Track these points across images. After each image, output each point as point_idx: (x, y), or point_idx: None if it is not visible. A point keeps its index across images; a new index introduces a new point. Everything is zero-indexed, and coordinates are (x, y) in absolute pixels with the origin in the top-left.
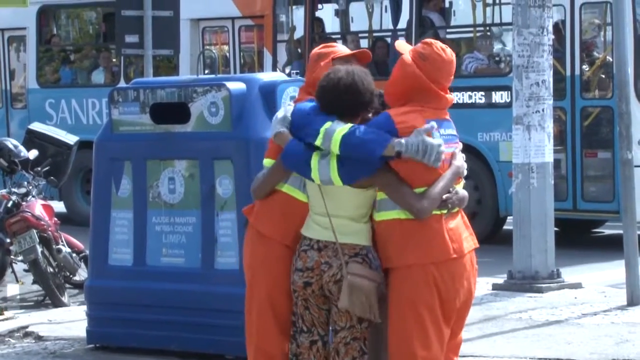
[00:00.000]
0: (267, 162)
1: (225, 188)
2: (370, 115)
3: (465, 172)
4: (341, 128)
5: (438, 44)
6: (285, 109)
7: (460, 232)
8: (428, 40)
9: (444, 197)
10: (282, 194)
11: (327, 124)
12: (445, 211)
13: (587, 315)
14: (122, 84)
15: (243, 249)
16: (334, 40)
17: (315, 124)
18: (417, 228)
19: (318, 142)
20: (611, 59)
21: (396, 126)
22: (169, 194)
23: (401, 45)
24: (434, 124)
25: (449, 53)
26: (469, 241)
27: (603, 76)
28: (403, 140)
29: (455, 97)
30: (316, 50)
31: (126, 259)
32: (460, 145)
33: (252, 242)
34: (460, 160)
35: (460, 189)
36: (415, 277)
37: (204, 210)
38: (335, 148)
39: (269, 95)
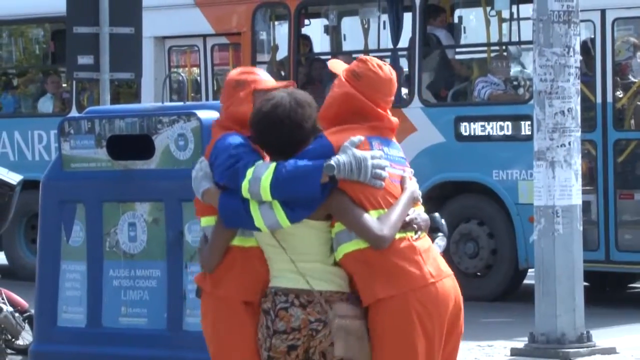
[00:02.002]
0: (205, 221)
1: (195, 235)
2: None
3: (420, 198)
4: (266, 173)
5: (374, 60)
6: (200, 164)
7: (435, 254)
8: (363, 57)
9: (408, 218)
10: (235, 249)
11: (249, 173)
12: (412, 234)
13: None
14: (74, 113)
15: (201, 323)
16: (323, 61)
17: (241, 161)
18: (384, 255)
19: (245, 194)
20: None
21: (333, 145)
22: (129, 242)
23: (335, 64)
24: (361, 137)
25: (387, 70)
26: (446, 266)
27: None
28: (332, 162)
29: (466, 128)
30: (233, 76)
31: (78, 319)
32: (411, 170)
33: (211, 312)
34: (414, 184)
35: (422, 212)
36: (393, 311)
37: (170, 261)
38: (266, 197)
39: None
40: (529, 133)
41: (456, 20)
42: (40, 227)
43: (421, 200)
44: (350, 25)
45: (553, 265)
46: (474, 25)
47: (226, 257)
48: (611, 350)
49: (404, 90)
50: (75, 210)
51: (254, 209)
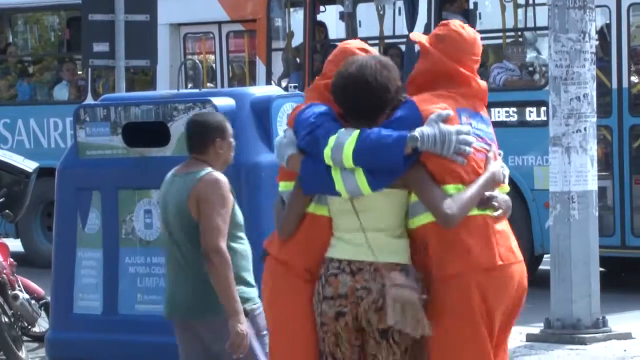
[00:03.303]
0: (284, 185)
1: None
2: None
3: (507, 179)
4: (349, 140)
5: (456, 22)
6: (285, 132)
7: (509, 236)
8: (444, 20)
9: (488, 194)
10: (307, 215)
11: (331, 139)
12: (490, 212)
13: None
14: (89, 100)
15: (261, 288)
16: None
17: (321, 128)
18: (457, 231)
19: (327, 161)
20: None
21: (422, 115)
22: (144, 229)
23: (416, 35)
24: (450, 111)
25: (470, 31)
26: (518, 251)
27: None
28: (417, 133)
29: None
30: (350, 47)
31: (94, 306)
32: (498, 150)
33: (272, 278)
34: (497, 165)
35: (502, 194)
36: (458, 288)
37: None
38: (349, 164)
39: (263, 113)
40: (545, 119)
41: (472, 6)
42: (56, 214)
43: (507, 181)
44: (366, 12)
45: (569, 250)
46: (489, 11)
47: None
48: (627, 336)
49: None
50: (91, 197)
51: (336, 174)
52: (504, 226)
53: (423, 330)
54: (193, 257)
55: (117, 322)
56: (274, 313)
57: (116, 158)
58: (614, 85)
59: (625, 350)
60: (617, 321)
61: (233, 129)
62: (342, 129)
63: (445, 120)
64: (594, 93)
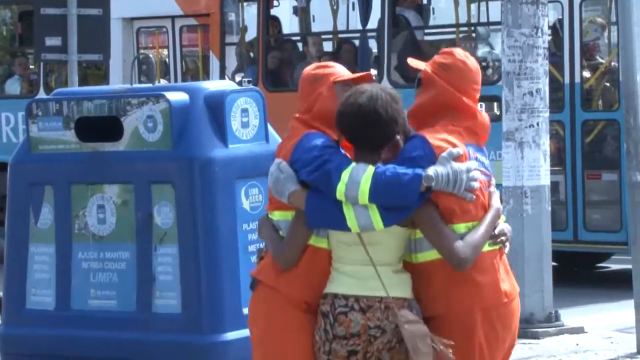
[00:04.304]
0: (280, 215)
1: (164, 217)
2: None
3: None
4: (364, 176)
5: (459, 50)
6: (279, 166)
7: (508, 269)
8: (446, 49)
9: (497, 231)
10: (308, 247)
11: (344, 175)
12: (497, 247)
13: None
14: (41, 95)
15: (249, 319)
16: (293, 42)
17: (331, 163)
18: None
19: (340, 197)
20: (617, 65)
21: (435, 152)
22: (97, 224)
23: (415, 62)
24: (459, 150)
25: (473, 60)
26: (515, 283)
27: (608, 84)
28: (431, 172)
29: None
30: (309, 71)
31: (47, 302)
32: (494, 182)
33: (264, 310)
34: (498, 202)
35: (505, 225)
36: (460, 324)
37: (139, 243)
38: (364, 201)
39: (217, 108)
40: (498, 114)
41: (425, 1)
42: (9, 209)
43: (503, 214)
44: (319, 7)
45: (522, 245)
46: (442, 6)
47: None
48: (579, 330)
49: (373, 72)
50: (44, 192)
51: (348, 210)
52: (504, 258)
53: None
54: None
55: (70, 317)
56: (268, 345)
57: (69, 153)
58: (567, 80)
59: (577, 345)
60: (570, 315)
61: (186, 124)
62: (354, 164)
63: (456, 158)
64: (547, 88)
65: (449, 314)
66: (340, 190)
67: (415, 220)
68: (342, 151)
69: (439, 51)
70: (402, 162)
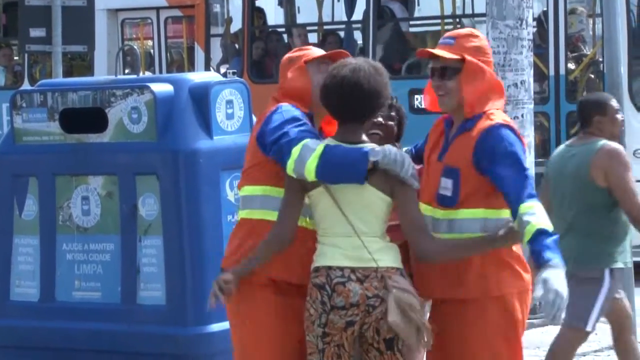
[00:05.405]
0: (247, 190)
1: (149, 208)
2: (390, 122)
3: None
4: (312, 157)
5: (474, 30)
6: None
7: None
8: (465, 30)
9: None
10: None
11: (294, 152)
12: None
13: (575, 356)
14: (26, 86)
15: (227, 306)
16: (278, 33)
17: (286, 137)
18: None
19: (290, 171)
20: (601, 57)
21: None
22: (82, 216)
23: (444, 52)
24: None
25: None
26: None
27: (592, 76)
28: (378, 148)
29: (421, 101)
30: (286, 55)
31: (31, 293)
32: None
33: (236, 291)
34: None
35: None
36: (504, 306)
37: (123, 235)
38: (311, 178)
39: (201, 99)
40: None
41: None
42: None
43: None
44: None
45: None
46: None
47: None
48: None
49: None
50: (28, 183)
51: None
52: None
53: (421, 342)
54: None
55: (54, 309)
56: (243, 327)
57: (53, 144)
58: (551, 72)
59: None
60: None
61: (171, 116)
62: (307, 140)
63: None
64: (532, 80)
65: (487, 297)
66: (290, 167)
67: (396, 200)
68: (308, 125)
69: (424, 43)
70: (504, 161)
